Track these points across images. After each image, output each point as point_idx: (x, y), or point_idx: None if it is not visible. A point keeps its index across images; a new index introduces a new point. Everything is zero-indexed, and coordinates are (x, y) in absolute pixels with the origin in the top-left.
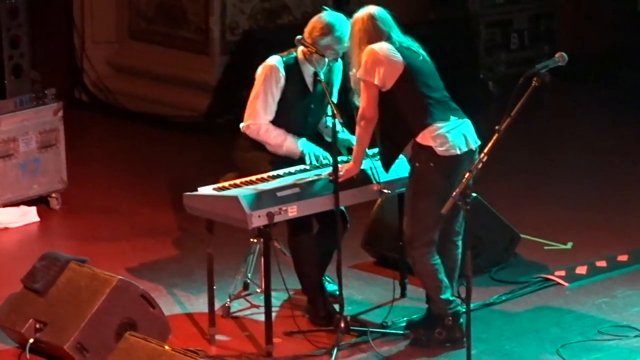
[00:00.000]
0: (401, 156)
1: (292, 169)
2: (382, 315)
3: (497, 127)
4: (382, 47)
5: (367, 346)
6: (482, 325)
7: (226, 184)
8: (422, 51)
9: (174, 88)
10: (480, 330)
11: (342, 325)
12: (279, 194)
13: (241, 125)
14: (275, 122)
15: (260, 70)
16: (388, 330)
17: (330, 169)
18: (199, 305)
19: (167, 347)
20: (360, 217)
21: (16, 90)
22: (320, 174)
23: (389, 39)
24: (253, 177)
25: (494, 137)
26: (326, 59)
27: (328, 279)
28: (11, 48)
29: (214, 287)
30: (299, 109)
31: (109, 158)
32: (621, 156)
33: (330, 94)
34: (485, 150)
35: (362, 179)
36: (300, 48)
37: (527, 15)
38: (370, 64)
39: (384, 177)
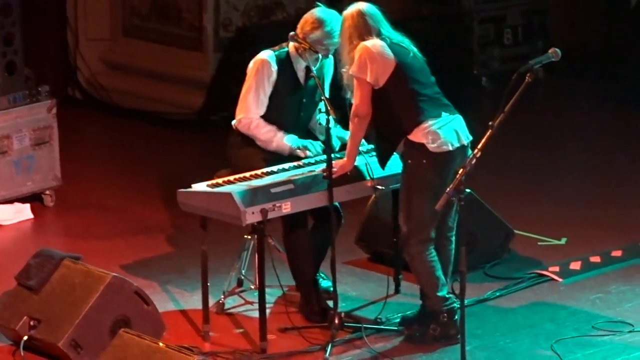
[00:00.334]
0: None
1: (285, 166)
2: (376, 311)
3: (490, 123)
4: (375, 44)
5: (361, 342)
6: (476, 321)
7: (220, 180)
8: (412, 47)
9: (168, 85)
10: (475, 326)
11: (336, 321)
12: (272, 190)
13: (233, 121)
14: (267, 116)
15: (251, 64)
16: (382, 327)
17: (324, 165)
18: (193, 302)
19: (161, 344)
20: (354, 213)
21: (10, 88)
22: (314, 170)
23: (379, 35)
24: (247, 174)
25: (488, 133)
26: (319, 55)
27: (322, 275)
28: (4, 45)
29: (208, 284)
30: (290, 103)
31: (102, 155)
32: (615, 152)
33: (323, 89)
34: (479, 147)
35: (356, 175)
36: (292, 43)
37: (520, 11)
38: (363, 60)
39: (377, 173)
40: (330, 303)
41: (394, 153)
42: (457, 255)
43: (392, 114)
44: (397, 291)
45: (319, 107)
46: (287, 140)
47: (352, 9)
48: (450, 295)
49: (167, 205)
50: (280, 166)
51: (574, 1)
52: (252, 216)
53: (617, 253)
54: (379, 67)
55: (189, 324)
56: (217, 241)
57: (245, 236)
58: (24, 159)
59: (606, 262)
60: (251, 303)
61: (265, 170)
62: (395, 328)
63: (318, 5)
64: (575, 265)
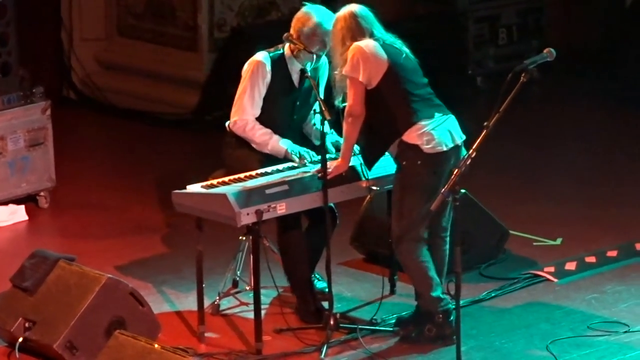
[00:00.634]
0: (386, 153)
1: (280, 167)
2: (371, 312)
3: (485, 123)
4: (368, 44)
5: (356, 343)
6: (471, 321)
7: (215, 181)
8: (405, 48)
9: (163, 85)
10: (470, 327)
11: (332, 322)
12: (267, 191)
13: (227, 122)
14: (261, 118)
15: (247, 66)
16: (378, 327)
17: (318, 166)
18: (188, 303)
19: (156, 345)
20: (349, 214)
21: (4, 89)
22: (308, 171)
23: (371, 36)
24: (241, 175)
25: (483, 133)
26: (314, 56)
27: (317, 276)
28: None
29: (203, 285)
30: (284, 105)
31: (97, 156)
32: (611, 151)
33: (318, 90)
34: (474, 147)
35: (351, 175)
36: (288, 44)
37: (515, 10)
38: (356, 60)
39: (372, 174)
40: (326, 304)
41: (385, 154)
42: (452, 256)
43: (385, 115)
44: (392, 292)
45: (313, 108)
46: (282, 144)
47: (344, 11)
48: (445, 296)
49: (162, 206)
50: (275, 167)
51: (569, 0)
52: (247, 217)
53: (612, 253)
54: (372, 67)
55: (184, 325)
56: (212, 242)
57: (240, 237)
58: (19, 160)
59: (601, 262)
60: (246, 304)
61: (260, 171)
62: (391, 329)
63: (304, 4)
64: (571, 266)
